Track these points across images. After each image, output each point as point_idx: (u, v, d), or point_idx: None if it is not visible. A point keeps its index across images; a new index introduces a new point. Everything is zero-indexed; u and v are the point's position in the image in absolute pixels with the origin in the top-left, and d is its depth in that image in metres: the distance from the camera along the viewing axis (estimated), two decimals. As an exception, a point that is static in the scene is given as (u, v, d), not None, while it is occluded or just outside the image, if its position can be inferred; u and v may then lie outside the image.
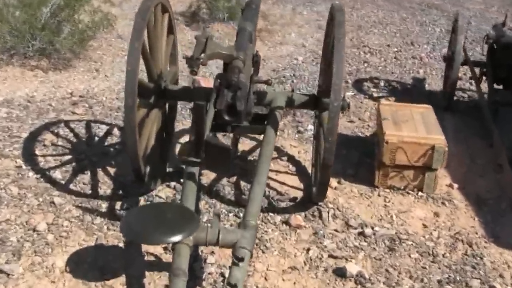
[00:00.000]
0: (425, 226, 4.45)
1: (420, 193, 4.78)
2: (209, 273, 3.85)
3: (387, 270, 3.99)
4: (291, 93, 4.52)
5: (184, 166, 4.00)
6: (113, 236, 4.07)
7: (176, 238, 3.33)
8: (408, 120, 5.04)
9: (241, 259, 3.35)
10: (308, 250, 4.12)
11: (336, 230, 4.33)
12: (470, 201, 4.77)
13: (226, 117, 3.99)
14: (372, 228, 4.35)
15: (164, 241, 3.34)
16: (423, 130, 4.89)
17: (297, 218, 4.37)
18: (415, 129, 4.90)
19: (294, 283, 3.87)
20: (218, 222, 3.56)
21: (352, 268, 3.95)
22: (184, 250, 3.42)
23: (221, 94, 3.97)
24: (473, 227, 4.47)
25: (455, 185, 4.92)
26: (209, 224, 3.56)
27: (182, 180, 4.61)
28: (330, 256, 4.08)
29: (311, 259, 4.04)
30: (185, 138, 5.33)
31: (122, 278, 3.74)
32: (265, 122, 4.31)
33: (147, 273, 3.79)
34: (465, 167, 5.14)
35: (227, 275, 3.78)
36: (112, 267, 3.81)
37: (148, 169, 4.31)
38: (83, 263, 3.83)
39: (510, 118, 5.61)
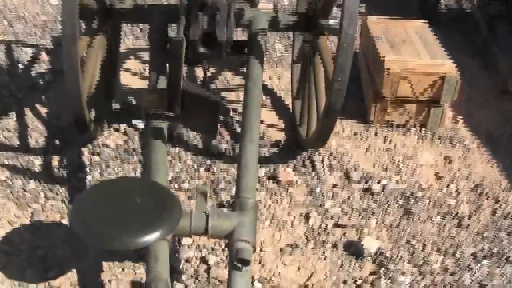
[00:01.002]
0: (438, 176, 3.44)
1: (423, 131, 3.75)
2: (187, 260, 2.75)
3: (409, 243, 2.99)
4: (275, 13, 3.32)
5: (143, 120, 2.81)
6: (54, 209, 2.88)
7: (154, 236, 2.19)
8: (406, 41, 3.94)
9: (245, 262, 2.27)
10: (307, 217, 3.06)
11: (335, 186, 3.27)
12: (481, 139, 3.78)
13: (202, 50, 2.80)
14: (379, 181, 3.31)
15: (138, 243, 2.19)
16: (426, 54, 3.81)
17: (287, 173, 3.28)
18: (417, 53, 3.81)
19: (299, 268, 2.82)
20: (205, 204, 2.44)
21: (370, 244, 2.93)
22: (163, 249, 2.31)
23: (193, 18, 2.76)
24: (493, 176, 3.49)
25: (460, 119, 3.91)
26: (191, 208, 2.44)
27: (141, 129, 3.42)
28: (336, 225, 3.04)
29: (313, 231, 2.99)
30: (131, 63, 4.08)
31: (73, 275, 2.60)
32: (245, 51, 3.12)
33: (105, 265, 2.66)
34: (464, 95, 4.12)
35: (211, 262, 2.70)
36: (57, 258, 2.65)
37: (93, 113, 3.08)
38: (15, 253, 2.65)
39: (505, 34, 4.57)
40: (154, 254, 2.30)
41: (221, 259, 2.77)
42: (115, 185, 2.40)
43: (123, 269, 2.66)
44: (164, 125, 2.70)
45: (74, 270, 2.61)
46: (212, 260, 2.75)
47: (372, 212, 3.14)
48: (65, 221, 2.81)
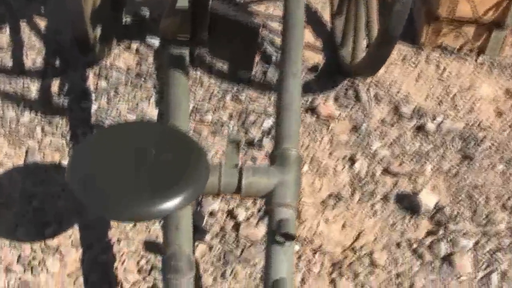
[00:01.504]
0: (499, 113, 2.86)
1: (480, 58, 3.15)
2: (211, 214, 2.23)
3: (470, 196, 2.46)
4: None
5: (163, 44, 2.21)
6: (53, 147, 2.34)
7: (176, 203, 1.66)
8: (466, -50, 3.27)
9: (289, 237, 1.76)
10: (352, 160, 2.52)
11: (383, 122, 2.70)
12: (546, 69, 3.18)
13: None
14: (433, 118, 2.75)
15: (155, 213, 1.65)
16: (489, -34, 3.16)
17: (328, 106, 2.71)
18: (478, -35, 3.16)
19: (344, 225, 2.30)
20: (238, 156, 1.90)
21: (428, 198, 2.40)
22: (185, 216, 1.81)
23: None
24: None
25: (521, 44, 3.30)
26: (222, 161, 1.90)
27: (150, 44, 2.83)
28: (386, 171, 2.50)
29: (360, 179, 2.46)
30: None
31: (74, 233, 2.09)
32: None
33: (112, 223, 2.14)
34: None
35: (240, 217, 2.19)
36: (55, 211, 2.13)
37: (98, 29, 2.49)
38: (5, 204, 2.13)
39: None
40: (175, 222, 1.78)
41: (252, 214, 2.25)
42: (124, 131, 1.83)
43: (134, 225, 2.15)
44: (186, 53, 2.12)
45: (76, 226, 2.10)
46: (241, 214, 2.24)
47: (426, 157, 2.59)
48: (66, 162, 2.28)
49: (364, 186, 2.43)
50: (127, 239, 2.10)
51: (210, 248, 2.14)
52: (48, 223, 2.09)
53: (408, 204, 2.38)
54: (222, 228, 2.20)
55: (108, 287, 1.99)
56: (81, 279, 1.99)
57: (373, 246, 2.24)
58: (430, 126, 2.70)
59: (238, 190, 1.87)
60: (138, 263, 2.07)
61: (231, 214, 2.24)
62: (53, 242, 2.05)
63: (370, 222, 2.32)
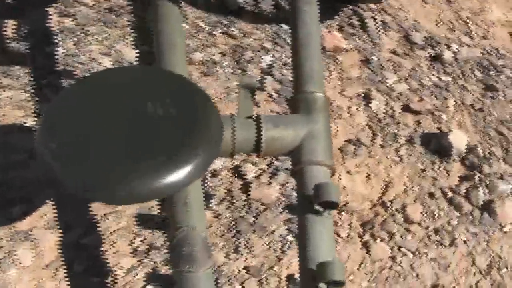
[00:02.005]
0: (515, 36, 2.41)
1: (486, -23, 2.65)
2: (214, 174, 1.73)
3: (499, 132, 2.01)
4: None
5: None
6: (13, 103, 1.79)
7: (189, 173, 1.16)
8: None
9: (332, 204, 1.28)
10: (367, 98, 2.03)
11: (395, 53, 2.21)
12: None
13: None
14: (448, 46, 2.26)
15: (157, 192, 1.15)
16: None
17: (334, 35, 2.19)
18: None
19: (368, 176, 1.83)
20: (252, 104, 1.39)
21: (458, 139, 1.93)
22: (194, 189, 1.32)
23: None
24: None
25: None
26: (233, 114, 1.40)
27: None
28: (407, 109, 2.02)
29: (378, 119, 1.98)
30: None
31: (49, 211, 1.57)
32: None
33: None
34: None
35: (248, 175, 1.72)
36: (22, 185, 1.60)
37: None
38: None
39: None
40: (182, 196, 1.29)
41: (262, 170, 1.76)
42: (110, 81, 1.30)
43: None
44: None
45: (50, 202, 1.58)
46: (250, 172, 1.75)
47: (447, 89, 2.11)
48: (31, 122, 1.74)
49: (385, 128, 1.95)
50: (115, 214, 1.60)
51: (217, 216, 1.65)
52: (13, 201, 1.56)
53: (437, 146, 1.92)
54: (229, 191, 1.71)
55: (98, 277, 1.49)
56: (62, 271, 1.49)
57: (404, 199, 1.79)
58: (447, 55, 2.21)
59: (257, 147, 1.37)
60: (131, 243, 1.57)
61: (237, 172, 1.75)
62: (22, 225, 1.54)
63: (397, 170, 1.85)
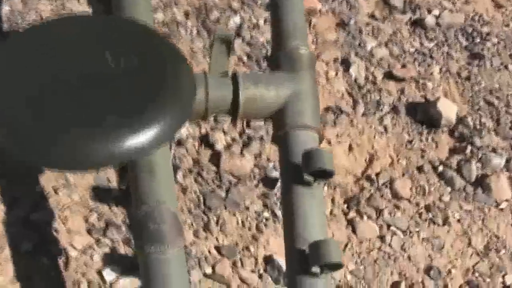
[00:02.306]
0: (498, 5, 2.24)
1: None
2: (179, 143, 1.52)
3: (488, 103, 1.86)
4: None
5: None
6: None
7: (157, 135, 0.96)
8: None
9: (326, 174, 1.09)
10: (345, 63, 1.85)
11: (373, 17, 2.02)
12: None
13: None
14: (429, 11, 2.09)
15: (126, 154, 0.94)
16: None
17: (307, -5, 2.00)
18: None
19: (351, 147, 1.65)
20: (227, 60, 1.18)
21: (448, 108, 1.77)
22: (162, 157, 1.11)
23: None
24: None
25: None
26: (204, 70, 1.19)
27: None
28: (389, 76, 1.85)
29: (359, 86, 1.80)
30: None
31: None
32: None
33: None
34: None
35: (218, 144, 1.52)
36: None
37: None
38: None
39: None
40: (148, 165, 1.08)
41: (234, 139, 1.56)
42: (61, 30, 1.07)
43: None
44: None
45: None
46: (220, 141, 1.54)
47: (431, 56, 1.95)
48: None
49: (366, 95, 1.77)
50: (68, 187, 1.37)
51: (184, 190, 1.45)
52: None
53: (423, 115, 1.76)
54: (196, 162, 1.50)
55: (48, 258, 1.28)
56: (7, 252, 1.27)
57: (391, 173, 1.61)
58: (429, 20, 2.04)
59: (233, 108, 1.17)
60: (86, 219, 1.35)
61: (205, 141, 1.54)
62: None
63: (381, 141, 1.68)
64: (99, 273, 1.28)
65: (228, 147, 1.54)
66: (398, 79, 1.84)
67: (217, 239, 1.39)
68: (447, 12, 2.10)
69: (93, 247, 1.31)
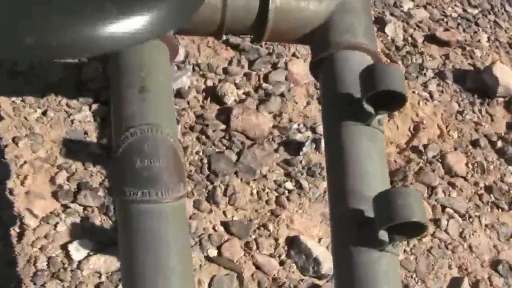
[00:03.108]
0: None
1: None
2: (178, 94, 1.18)
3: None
4: None
5: None
6: None
7: (149, 22, 0.63)
8: None
9: (395, 102, 0.75)
10: (381, 23, 1.52)
11: (407, -21, 1.71)
12: None
13: None
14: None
15: (106, 40, 0.62)
16: None
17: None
18: None
19: (391, 114, 1.31)
20: None
21: (506, 75, 1.44)
22: (161, 67, 0.77)
23: None
24: None
25: None
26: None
27: None
28: (432, 39, 1.52)
29: (397, 48, 1.47)
30: None
31: None
32: None
33: (6, 107, 1.06)
34: None
35: (228, 97, 1.16)
36: None
37: None
38: None
39: None
40: (139, 78, 0.75)
41: (247, 93, 1.22)
42: None
43: (44, 113, 1.07)
44: None
45: None
46: (231, 95, 1.20)
47: (476, 23, 1.63)
48: None
49: (406, 57, 1.45)
50: (32, 138, 1.03)
51: (184, 149, 1.10)
52: None
53: (475, 83, 1.43)
54: (201, 117, 1.16)
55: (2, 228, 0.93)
56: None
57: (441, 146, 1.28)
58: (472, -17, 1.73)
59: (260, 22, 0.85)
60: (52, 179, 1.01)
61: (211, 94, 1.20)
62: None
63: (427, 109, 1.34)
64: (64, 248, 0.94)
65: (240, 102, 1.20)
66: (442, 43, 1.52)
67: (224, 213, 1.05)
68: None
69: (59, 215, 0.96)
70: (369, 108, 0.76)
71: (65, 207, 0.98)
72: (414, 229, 0.67)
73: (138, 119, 0.72)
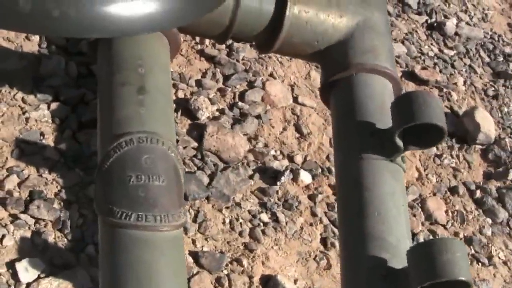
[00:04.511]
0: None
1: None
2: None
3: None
4: None
5: None
6: None
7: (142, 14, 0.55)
8: None
9: (434, 137, 0.69)
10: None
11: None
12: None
13: None
14: (446, 17, 1.77)
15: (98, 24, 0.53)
16: None
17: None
18: None
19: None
20: None
21: (487, 122, 1.41)
22: (159, 61, 0.67)
23: None
24: None
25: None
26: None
27: None
28: (411, 76, 1.49)
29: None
30: None
31: None
32: None
33: None
34: None
35: (200, 113, 1.06)
36: None
37: None
38: None
39: None
40: (138, 81, 0.64)
41: (221, 111, 1.13)
42: None
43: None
44: None
45: None
46: (205, 109, 1.11)
47: (452, 64, 1.61)
48: None
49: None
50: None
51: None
52: None
53: (453, 127, 1.40)
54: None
55: None
56: None
57: (421, 190, 1.23)
58: (449, 27, 1.72)
59: (272, 31, 0.77)
60: (1, 184, 0.88)
61: (183, 107, 1.11)
62: None
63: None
64: (11, 266, 0.81)
65: (214, 119, 1.11)
66: (421, 81, 1.49)
67: (194, 241, 0.95)
68: (464, 23, 1.79)
69: (7, 226, 0.84)
70: (399, 142, 0.69)
71: (14, 217, 0.85)
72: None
73: (135, 125, 0.62)
